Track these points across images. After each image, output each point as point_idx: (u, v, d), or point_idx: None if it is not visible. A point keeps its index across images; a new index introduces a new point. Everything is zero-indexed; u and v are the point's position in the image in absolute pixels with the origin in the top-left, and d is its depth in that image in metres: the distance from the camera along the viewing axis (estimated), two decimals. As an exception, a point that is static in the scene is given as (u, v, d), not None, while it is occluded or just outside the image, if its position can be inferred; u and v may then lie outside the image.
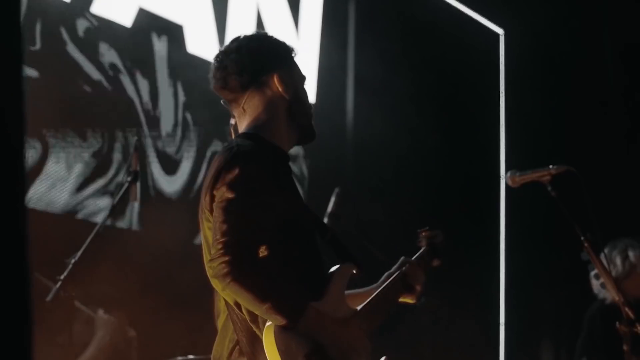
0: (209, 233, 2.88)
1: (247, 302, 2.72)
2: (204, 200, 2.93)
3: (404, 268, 3.28)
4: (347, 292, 3.14)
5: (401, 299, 3.28)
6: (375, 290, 3.18)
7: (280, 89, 3.11)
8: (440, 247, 3.51)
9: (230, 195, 2.80)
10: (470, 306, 6.82)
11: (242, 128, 3.13)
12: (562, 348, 8.09)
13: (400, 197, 6.90)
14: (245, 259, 2.71)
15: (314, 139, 3.25)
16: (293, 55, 3.23)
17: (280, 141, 3.10)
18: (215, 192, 2.86)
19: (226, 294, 2.77)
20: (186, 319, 4.94)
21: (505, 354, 7.74)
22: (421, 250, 3.45)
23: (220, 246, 2.70)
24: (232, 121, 3.19)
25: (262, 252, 2.80)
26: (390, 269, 3.31)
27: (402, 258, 3.34)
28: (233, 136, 3.15)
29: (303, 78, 3.25)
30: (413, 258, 3.36)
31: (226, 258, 2.67)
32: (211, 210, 2.87)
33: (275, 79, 3.11)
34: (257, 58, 3.14)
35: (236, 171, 2.83)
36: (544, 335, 8.31)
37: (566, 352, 7.99)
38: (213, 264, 2.70)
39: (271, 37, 3.25)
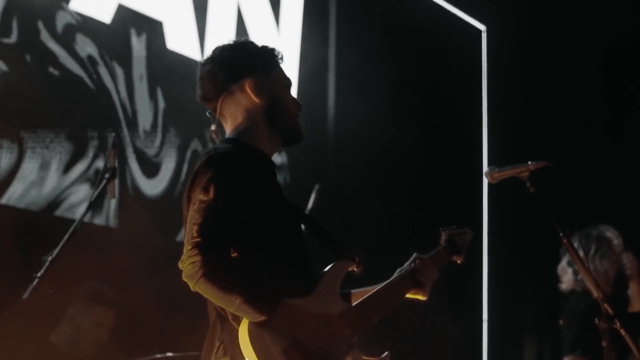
0: None
1: (218, 300, 2.74)
2: (184, 204, 2.97)
3: (413, 264, 3.30)
4: (356, 290, 3.18)
5: (410, 295, 3.30)
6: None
7: (252, 95, 3.12)
8: (462, 244, 3.57)
9: (203, 197, 2.83)
10: (452, 303, 6.81)
11: (227, 135, 3.18)
12: (546, 345, 8.10)
13: (381, 193, 6.89)
14: (215, 258, 2.72)
15: (300, 141, 3.27)
16: (274, 60, 3.25)
17: (262, 145, 3.13)
18: (191, 195, 2.89)
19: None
20: (164, 316, 4.92)
21: (488, 351, 7.74)
22: (438, 247, 3.50)
23: (190, 247, 2.73)
24: (212, 127, 3.22)
25: (234, 251, 2.80)
26: (403, 265, 3.34)
27: (414, 254, 3.37)
28: (217, 142, 3.17)
29: (284, 81, 3.25)
30: (427, 254, 3.39)
31: (196, 258, 2.69)
32: (188, 212, 2.89)
33: (247, 86, 3.13)
34: (228, 67, 3.18)
35: (209, 173, 2.86)
36: (528, 332, 8.33)
37: (549, 349, 8.01)
38: (184, 265, 2.72)
39: (247, 44, 3.27)
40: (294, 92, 6.28)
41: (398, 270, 3.30)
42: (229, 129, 3.17)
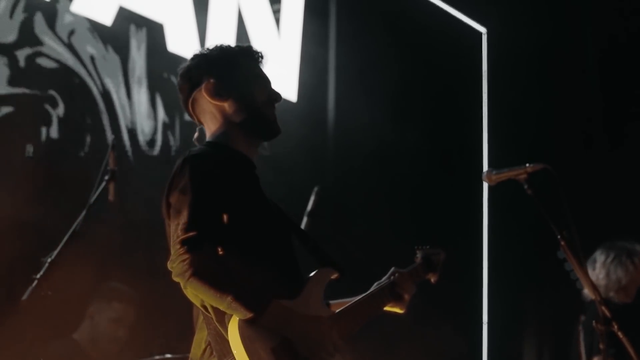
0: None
1: (209, 297, 2.74)
2: (163, 209, 2.96)
3: (392, 277, 3.32)
4: (334, 301, 3.18)
5: (388, 308, 3.33)
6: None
7: (208, 97, 3.13)
8: (436, 263, 3.61)
9: (183, 198, 2.82)
10: (452, 306, 6.82)
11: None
12: (545, 347, 8.11)
13: (381, 196, 6.90)
14: (204, 255, 2.72)
15: (277, 134, 3.22)
16: (240, 59, 3.23)
17: (239, 145, 3.12)
18: (170, 200, 2.89)
19: (189, 293, 2.78)
20: (163, 317, 4.93)
21: (488, 354, 7.74)
22: (415, 263, 3.53)
23: (178, 246, 2.72)
24: (195, 135, 3.24)
25: (222, 248, 2.80)
26: (381, 279, 3.35)
27: (392, 268, 3.39)
28: None
29: (253, 78, 3.22)
30: (405, 269, 3.41)
31: (185, 256, 2.69)
32: (169, 218, 2.89)
33: (204, 89, 3.14)
34: (189, 75, 3.20)
35: (186, 175, 2.86)
36: (527, 335, 8.33)
37: (549, 351, 8.01)
38: (173, 265, 2.72)
39: (210, 50, 3.25)
40: (294, 92, 6.35)
41: (376, 283, 3.32)
42: (208, 134, 3.18)
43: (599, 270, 5.40)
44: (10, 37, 5.01)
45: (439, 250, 3.66)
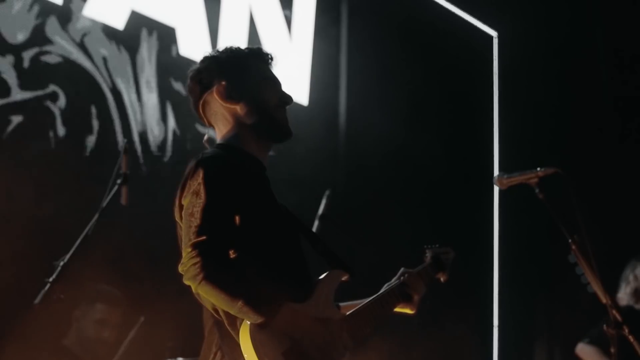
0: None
1: (220, 302, 2.73)
2: (175, 211, 2.96)
3: (402, 278, 3.32)
4: (344, 303, 3.17)
5: (398, 309, 3.32)
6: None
7: (220, 100, 3.14)
8: (446, 262, 3.58)
9: (196, 200, 2.81)
10: (463, 308, 6.82)
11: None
12: (556, 350, 8.09)
13: (392, 199, 6.90)
14: (216, 259, 2.71)
15: (288, 136, 3.21)
16: (250, 61, 3.23)
17: (250, 147, 3.12)
18: (183, 202, 2.88)
19: (200, 296, 2.78)
20: (176, 321, 4.93)
21: (498, 356, 7.74)
22: (424, 263, 3.51)
23: (190, 249, 2.71)
24: (205, 137, 3.24)
25: (233, 252, 2.80)
26: (391, 281, 3.35)
27: (402, 269, 3.38)
28: None
29: (263, 80, 3.22)
30: (414, 269, 3.40)
31: (197, 260, 2.68)
32: (181, 220, 2.88)
33: (215, 91, 3.15)
34: (200, 78, 3.19)
35: (200, 177, 2.85)
36: (538, 338, 8.32)
37: (560, 354, 7.99)
38: (184, 268, 2.71)
39: (220, 52, 3.25)
40: (305, 96, 6.36)
41: (386, 285, 3.31)
42: (218, 136, 3.18)
43: (622, 283, 5.59)
44: (21, 37, 5.04)
45: (448, 249, 3.65)
